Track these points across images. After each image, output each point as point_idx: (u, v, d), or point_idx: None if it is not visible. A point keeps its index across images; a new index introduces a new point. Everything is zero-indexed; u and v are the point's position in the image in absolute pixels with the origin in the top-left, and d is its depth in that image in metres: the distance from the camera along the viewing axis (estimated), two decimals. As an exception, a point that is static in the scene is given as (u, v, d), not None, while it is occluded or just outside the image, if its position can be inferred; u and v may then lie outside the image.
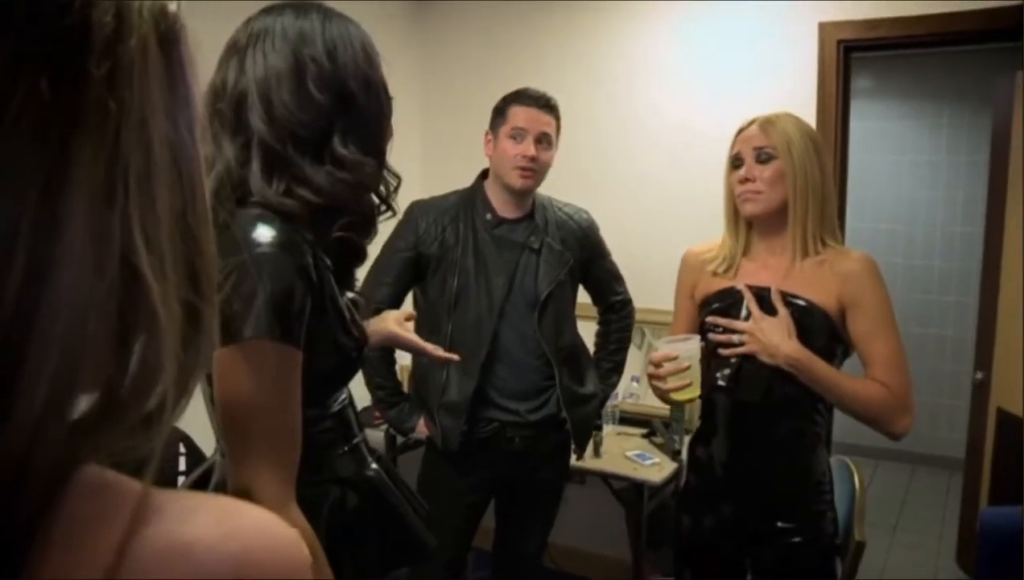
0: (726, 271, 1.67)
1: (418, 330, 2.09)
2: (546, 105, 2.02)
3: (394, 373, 2.16)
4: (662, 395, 1.65)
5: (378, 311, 2.02)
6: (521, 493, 2.19)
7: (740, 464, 1.64)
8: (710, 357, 1.64)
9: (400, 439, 3.16)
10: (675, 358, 1.56)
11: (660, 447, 2.77)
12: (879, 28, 2.63)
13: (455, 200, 2.09)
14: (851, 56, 2.78)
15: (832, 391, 1.52)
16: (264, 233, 0.89)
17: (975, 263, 3.76)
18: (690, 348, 1.57)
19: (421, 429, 2.12)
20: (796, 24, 2.79)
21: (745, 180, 1.61)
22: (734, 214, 1.67)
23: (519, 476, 2.13)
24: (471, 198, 2.08)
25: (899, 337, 1.56)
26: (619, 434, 2.93)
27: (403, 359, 2.29)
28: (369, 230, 1.05)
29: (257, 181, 0.93)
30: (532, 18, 3.31)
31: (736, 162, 1.64)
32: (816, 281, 1.56)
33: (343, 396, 1.08)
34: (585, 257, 2.16)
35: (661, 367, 1.57)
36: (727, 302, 1.64)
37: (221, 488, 1.00)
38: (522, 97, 2.01)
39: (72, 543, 0.33)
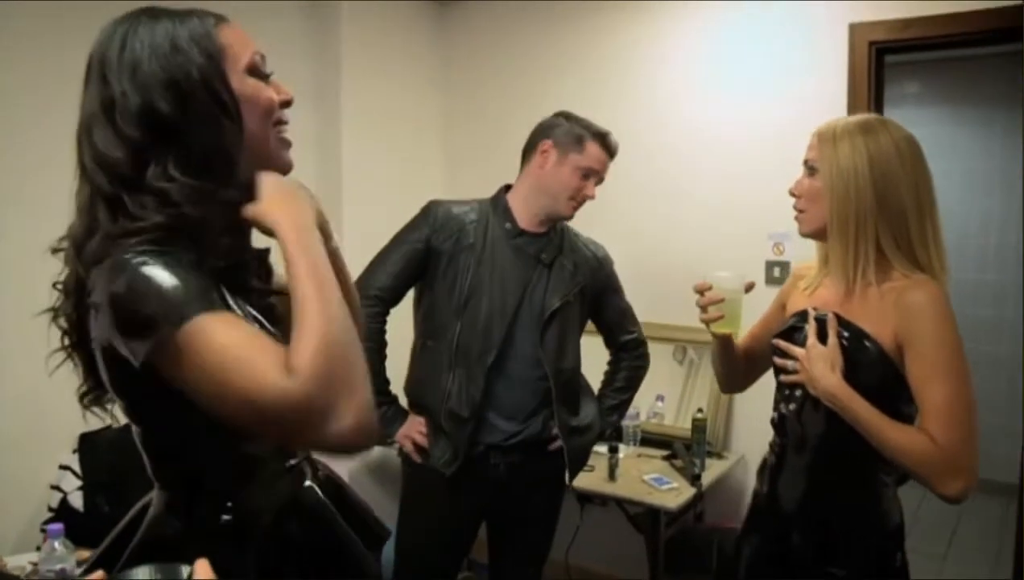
0: (806, 289, 1.54)
1: (424, 331, 2.03)
2: (615, 155, 2.04)
3: (383, 370, 2.06)
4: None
5: (378, 298, 1.97)
6: (509, 524, 2.10)
7: (799, 503, 1.48)
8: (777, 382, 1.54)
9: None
10: (710, 288, 1.51)
11: (680, 470, 2.65)
12: (912, 28, 2.48)
13: (476, 205, 2.05)
14: (884, 58, 2.64)
15: (873, 437, 1.34)
16: (137, 252, 0.82)
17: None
18: (727, 279, 1.53)
19: (404, 440, 2.02)
20: (826, 26, 2.66)
21: (793, 194, 1.49)
22: None
23: (506, 506, 2.05)
24: (493, 206, 2.05)
25: (962, 387, 1.32)
26: (639, 456, 2.82)
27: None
28: (232, 245, 0.93)
29: (109, 227, 0.86)
30: (553, 23, 3.26)
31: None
32: (876, 311, 1.38)
33: None
34: (597, 289, 2.11)
35: (703, 297, 1.53)
36: (796, 324, 1.51)
37: (156, 521, 0.95)
38: (605, 140, 2.00)
39: None
